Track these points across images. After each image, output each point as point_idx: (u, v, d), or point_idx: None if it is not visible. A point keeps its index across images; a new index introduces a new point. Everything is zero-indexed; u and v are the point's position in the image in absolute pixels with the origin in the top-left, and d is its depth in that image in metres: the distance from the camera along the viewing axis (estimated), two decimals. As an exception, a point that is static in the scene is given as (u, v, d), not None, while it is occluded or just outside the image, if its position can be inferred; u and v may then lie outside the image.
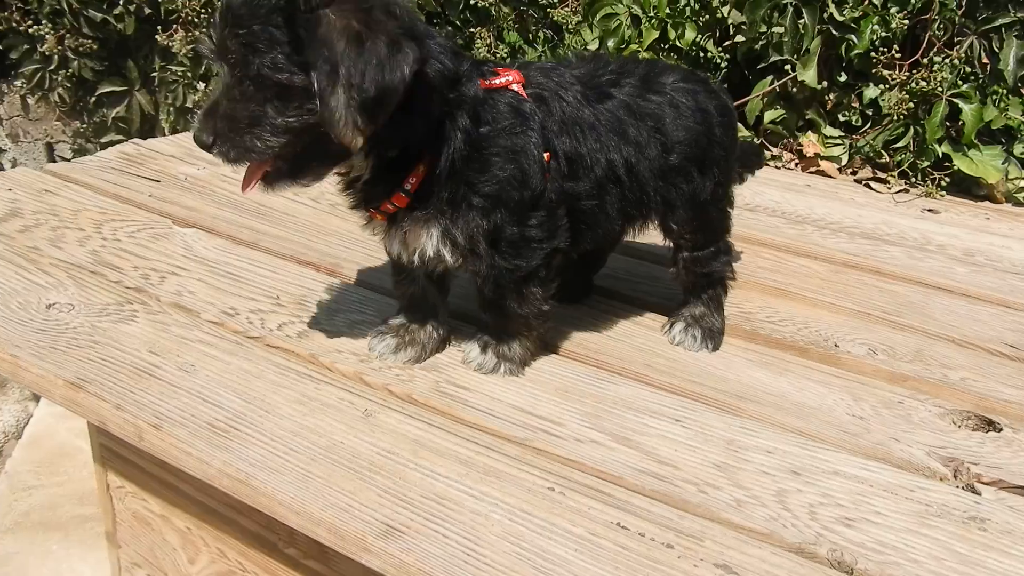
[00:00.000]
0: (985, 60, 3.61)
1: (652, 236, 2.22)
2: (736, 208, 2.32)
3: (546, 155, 1.82)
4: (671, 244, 2.21)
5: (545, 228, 1.85)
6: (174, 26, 4.99)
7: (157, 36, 4.97)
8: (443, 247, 1.79)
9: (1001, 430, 1.95)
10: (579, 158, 1.87)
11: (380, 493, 1.57)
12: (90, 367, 1.86)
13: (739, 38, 3.95)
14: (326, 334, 2.09)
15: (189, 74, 5.16)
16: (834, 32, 3.70)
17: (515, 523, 1.52)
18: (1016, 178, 3.69)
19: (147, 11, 5.10)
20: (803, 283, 2.68)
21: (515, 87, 1.81)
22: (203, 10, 4.84)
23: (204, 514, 2.17)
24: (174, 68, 5.19)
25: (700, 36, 4.05)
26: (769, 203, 3.45)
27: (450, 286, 2.09)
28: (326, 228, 2.72)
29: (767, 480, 1.71)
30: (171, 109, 5.31)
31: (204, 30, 1.79)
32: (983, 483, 1.76)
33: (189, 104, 5.20)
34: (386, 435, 1.73)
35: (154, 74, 5.28)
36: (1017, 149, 3.75)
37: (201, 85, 5.17)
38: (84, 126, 5.35)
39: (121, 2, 5.03)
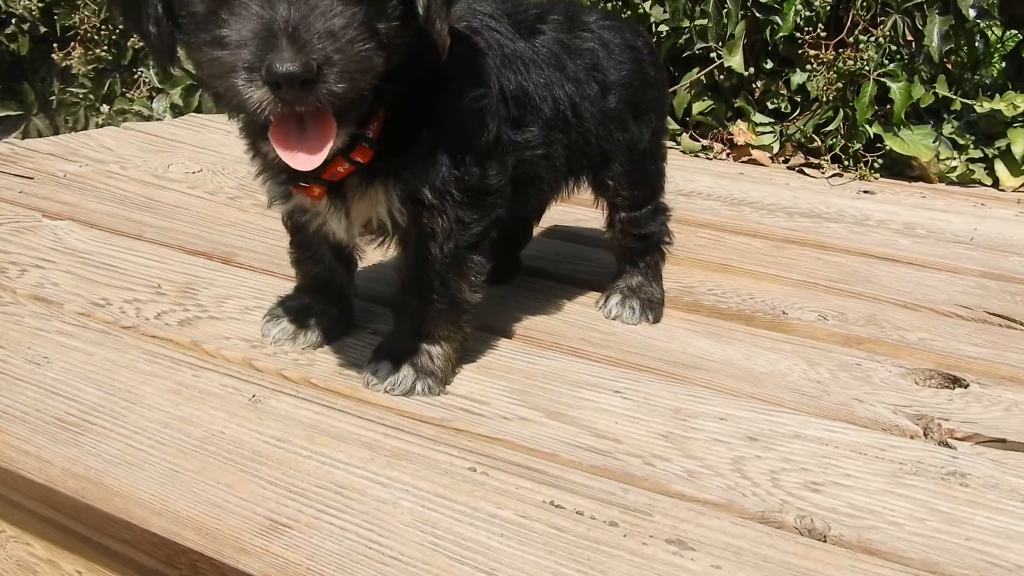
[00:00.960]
0: (909, 37, 3.54)
1: (578, 216, 2.02)
2: (669, 194, 2.14)
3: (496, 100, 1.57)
4: (605, 205, 2.00)
5: (500, 176, 1.56)
6: (72, 44, 4.67)
7: (54, 55, 4.64)
8: (401, 208, 1.48)
9: (968, 386, 1.77)
10: (526, 95, 1.62)
11: (265, 485, 1.29)
12: (-84, 365, 1.55)
13: (663, 29, 3.83)
14: (214, 321, 1.81)
15: (91, 95, 4.83)
16: (758, 15, 3.60)
17: (428, 510, 1.26)
18: (947, 158, 3.62)
19: (43, 30, 4.77)
20: (744, 258, 2.51)
21: None
22: (102, 26, 4.53)
23: (97, 555, 1.83)
24: (75, 90, 4.86)
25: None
26: (703, 189, 3.29)
27: (357, 264, 1.83)
28: (223, 219, 2.44)
29: (721, 448, 1.49)
30: (72, 132, 4.97)
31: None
32: (957, 438, 1.57)
33: (91, 127, 4.86)
34: (276, 422, 1.46)
35: (52, 97, 4.95)
36: (946, 129, 3.69)
37: (104, 107, 4.84)
38: (-27, 150, 4.94)
39: (14, 21, 4.69)
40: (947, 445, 1.54)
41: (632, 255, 2.03)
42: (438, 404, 1.56)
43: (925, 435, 1.58)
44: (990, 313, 2.17)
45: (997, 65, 3.83)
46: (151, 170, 2.82)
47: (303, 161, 1.24)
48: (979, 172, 3.61)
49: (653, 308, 2.00)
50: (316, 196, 1.48)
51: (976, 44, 3.55)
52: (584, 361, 1.77)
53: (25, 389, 1.49)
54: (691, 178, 3.41)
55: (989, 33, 3.51)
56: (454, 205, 1.51)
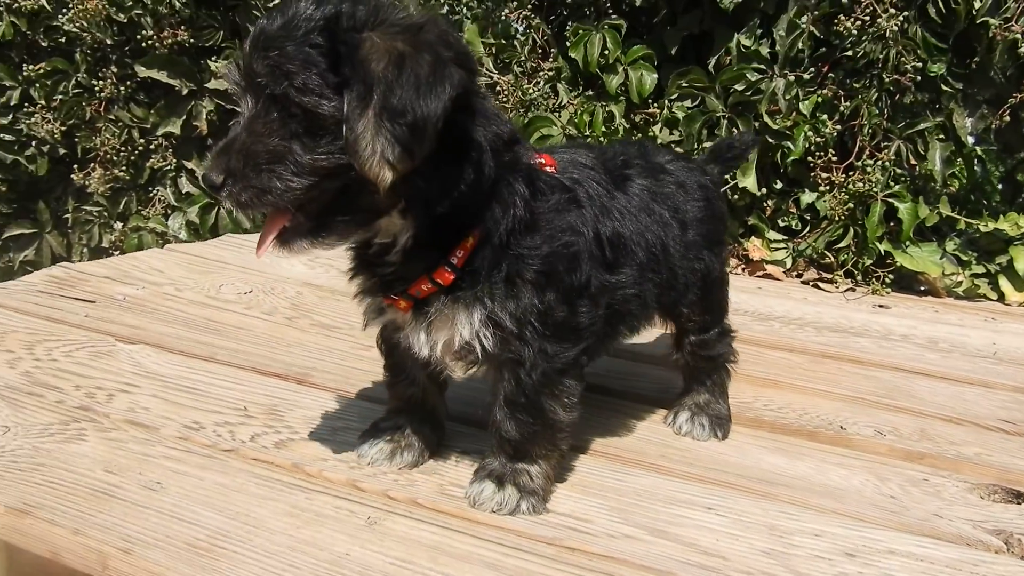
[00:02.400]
0: (913, 162, 3.78)
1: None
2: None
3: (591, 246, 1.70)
4: (674, 329, 2.11)
5: (592, 315, 1.66)
6: (92, 165, 4.80)
7: (73, 175, 4.76)
8: (484, 331, 1.54)
9: (1034, 500, 1.86)
10: (621, 241, 1.75)
11: (402, 608, 1.33)
12: (36, 491, 1.58)
13: (678, 149, 4.05)
14: (307, 443, 1.86)
15: (106, 213, 4.94)
16: (770, 140, 3.83)
17: (566, 630, 1.31)
18: (952, 273, 3.80)
19: (62, 151, 4.91)
20: (788, 373, 2.61)
21: (549, 169, 1.69)
22: (123, 148, 4.68)
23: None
24: (90, 208, 4.96)
25: (635, 154, 4.12)
26: (730, 304, 3.41)
27: (448, 386, 1.91)
28: (285, 339, 2.51)
29: (823, 564, 1.55)
30: (85, 250, 5.04)
31: (232, 60, 1.63)
32: (1039, 553, 1.64)
33: (105, 244, 4.95)
34: (397, 543, 1.50)
35: (67, 215, 5.04)
36: (949, 247, 3.89)
37: (118, 224, 4.94)
38: (-11, 272, 4.99)
39: (34, 143, 4.83)
40: (1032, 558, 1.61)
41: (700, 374, 2.13)
42: (545, 523, 1.61)
43: (1008, 548, 1.65)
44: (1033, 426, 2.27)
45: (995, 187, 4.07)
46: (204, 291, 2.90)
47: (258, 249, 1.47)
48: (984, 287, 3.79)
49: (721, 425, 2.08)
50: (402, 308, 1.59)
51: (975, 168, 3.79)
52: (668, 478, 1.84)
53: (148, 515, 1.53)
54: (715, 294, 3.54)
55: (986, 158, 3.76)
56: (537, 336, 1.59)
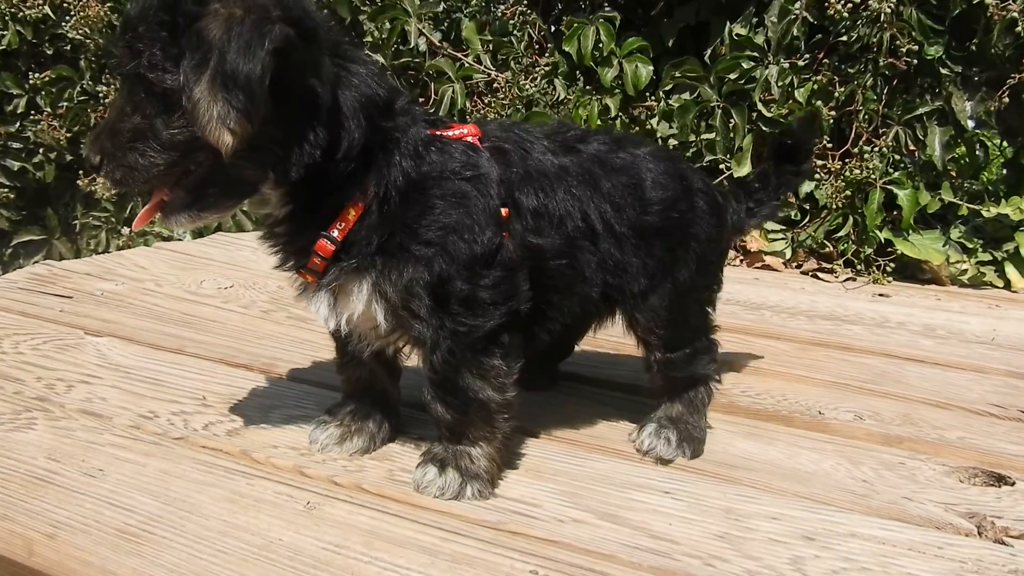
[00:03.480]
0: (912, 147, 3.68)
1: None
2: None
3: (503, 210, 1.60)
4: (640, 343, 1.87)
5: (501, 289, 1.57)
6: (97, 171, 4.84)
7: (79, 181, 4.80)
8: (376, 304, 1.53)
9: (1014, 483, 1.77)
10: (545, 211, 1.65)
11: (329, 592, 1.29)
12: (-28, 478, 1.56)
13: (673, 142, 3.98)
14: (260, 430, 1.83)
15: (113, 218, 4.97)
16: (764, 128, 3.76)
17: (495, 614, 1.26)
18: (957, 261, 3.70)
19: (69, 158, 4.95)
20: (773, 361, 2.54)
21: (470, 139, 1.63)
22: (128, 152, 4.70)
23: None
24: (97, 213, 5.00)
25: (632, 147, 4.06)
26: (722, 294, 3.34)
27: (401, 370, 1.87)
28: (258, 332, 2.49)
29: (779, 548, 1.48)
30: (93, 255, 5.08)
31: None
32: (1012, 536, 1.57)
33: (112, 249, 4.98)
34: (333, 528, 1.46)
35: (75, 221, 5.08)
36: (954, 234, 3.79)
37: (126, 230, 4.97)
38: (-1, 278, 5.04)
39: (41, 151, 4.88)
40: (1003, 543, 1.54)
41: (674, 389, 1.90)
42: (491, 507, 1.56)
43: (979, 533, 1.58)
44: (1024, 411, 2.19)
45: (997, 171, 3.97)
46: (185, 287, 2.89)
47: (134, 224, 1.53)
48: (990, 274, 3.68)
49: (691, 441, 1.83)
50: (310, 280, 1.58)
51: (976, 152, 3.68)
52: (629, 463, 1.78)
53: (83, 501, 1.50)
54: (709, 285, 3.47)
55: (988, 142, 3.66)
56: (434, 312, 1.53)
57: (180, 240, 4.30)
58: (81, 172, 4.79)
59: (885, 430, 2.03)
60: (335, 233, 1.50)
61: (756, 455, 1.86)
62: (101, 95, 4.63)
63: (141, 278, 2.95)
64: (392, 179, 1.51)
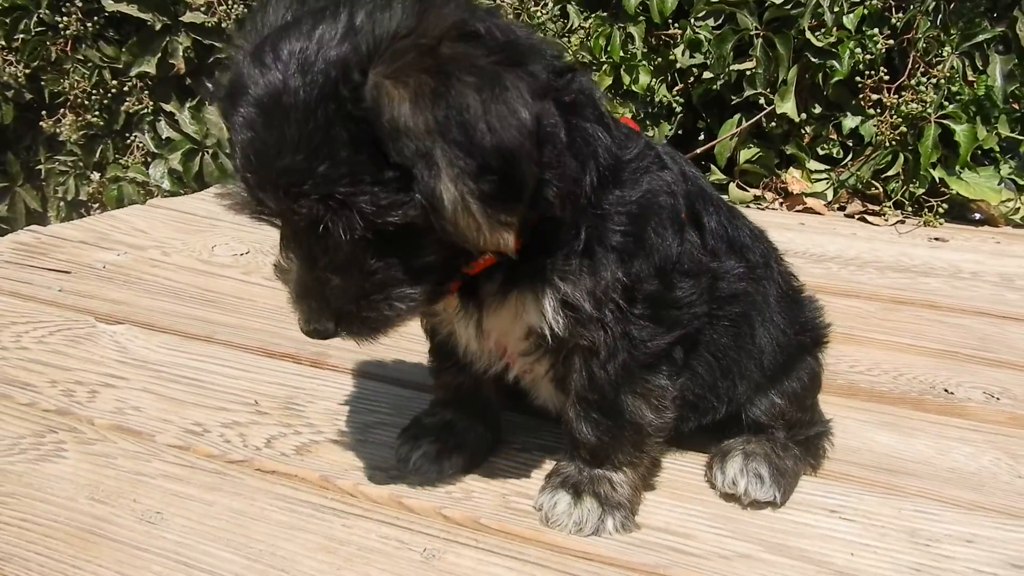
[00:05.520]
0: (971, 78, 3.41)
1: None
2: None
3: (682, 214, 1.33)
4: None
5: (694, 291, 1.31)
6: (61, 111, 4.39)
7: (42, 123, 4.36)
8: (557, 316, 1.22)
9: None
10: (725, 232, 1.43)
11: None
12: (3, 535, 1.26)
13: (706, 74, 3.65)
14: (334, 446, 1.55)
15: (81, 163, 4.54)
16: (813, 59, 3.45)
17: None
18: (1008, 199, 3.48)
19: (28, 96, 4.49)
20: (863, 324, 2.31)
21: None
22: (94, 91, 4.26)
23: None
24: (63, 158, 4.56)
25: (654, 80, 3.74)
26: (776, 243, 3.08)
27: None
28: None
29: (989, 582, 1.26)
30: (61, 203, 4.66)
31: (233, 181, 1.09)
32: None
33: (83, 196, 4.57)
34: (466, 585, 1.20)
35: (39, 166, 4.65)
36: (1004, 171, 3.56)
37: (95, 175, 4.55)
38: (-42, 230, 4.61)
39: (-3, 89, 4.42)
40: None
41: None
42: (639, 543, 1.31)
43: None
44: None
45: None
46: (195, 254, 2.55)
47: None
48: (1044, 213, 3.48)
49: (785, 478, 1.45)
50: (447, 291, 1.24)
51: (1040, 83, 3.43)
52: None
53: (148, 562, 1.21)
54: (758, 232, 3.21)
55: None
56: (619, 318, 1.24)
57: (168, 194, 3.92)
58: (44, 112, 4.35)
59: (1027, 412, 1.81)
60: None
61: (904, 452, 1.63)
62: (61, 26, 4.16)
63: (143, 245, 2.59)
64: (597, 160, 1.21)
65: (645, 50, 3.76)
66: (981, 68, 3.39)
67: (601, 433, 1.33)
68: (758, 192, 3.74)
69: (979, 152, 3.54)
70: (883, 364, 2.04)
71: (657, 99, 3.75)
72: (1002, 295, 2.61)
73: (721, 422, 1.52)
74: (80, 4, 4.15)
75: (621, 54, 3.73)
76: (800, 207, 3.65)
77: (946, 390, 1.91)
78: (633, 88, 3.73)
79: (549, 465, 1.48)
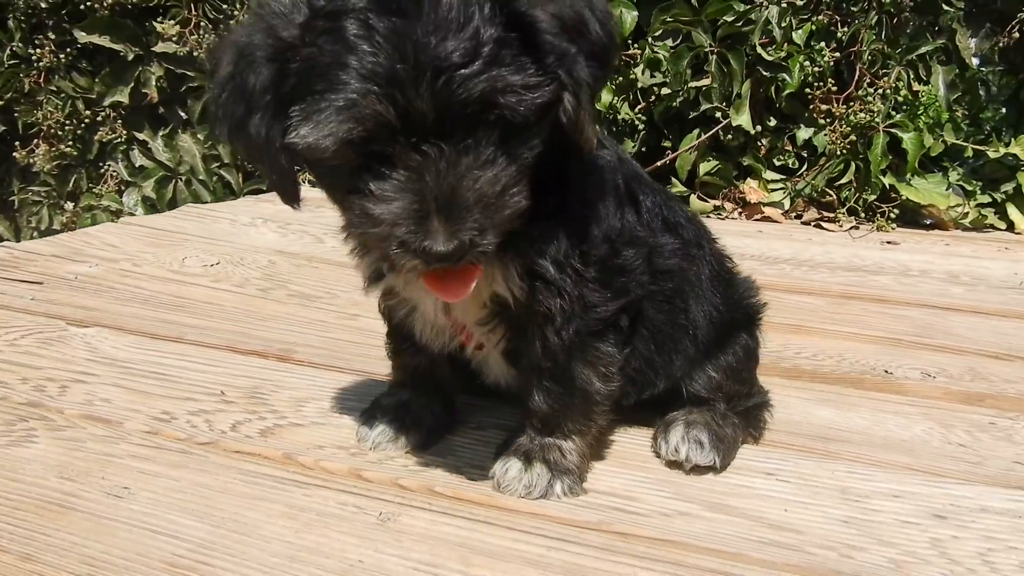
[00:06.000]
0: (916, 87, 3.56)
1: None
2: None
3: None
4: None
5: (637, 257, 1.40)
6: (35, 141, 4.44)
7: (15, 153, 4.40)
8: (524, 282, 1.29)
9: (1115, 438, 1.67)
10: (659, 210, 1.52)
11: (436, 623, 1.10)
12: (-24, 509, 1.31)
13: (664, 91, 3.78)
14: (298, 428, 1.61)
15: (55, 192, 4.59)
16: (765, 73, 3.59)
17: (635, 636, 1.08)
18: (957, 204, 3.62)
19: (1, 128, 4.54)
20: (812, 317, 2.40)
21: None
22: (67, 121, 4.31)
23: None
24: (36, 188, 4.60)
25: (615, 98, 3.86)
26: (734, 249, 3.18)
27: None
28: (261, 313, 2.24)
29: (912, 531, 1.34)
30: (35, 233, 4.69)
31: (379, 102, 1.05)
32: None
33: (56, 226, 4.60)
34: (418, 543, 1.26)
35: (12, 198, 4.68)
36: (952, 177, 3.71)
37: (69, 204, 4.59)
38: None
39: (-32, 122, 4.46)
40: None
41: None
42: (587, 505, 1.38)
43: (1104, 496, 1.46)
44: (1088, 358, 2.09)
45: (995, 111, 3.89)
46: (166, 265, 2.61)
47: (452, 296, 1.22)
48: (991, 217, 3.62)
49: (724, 443, 1.52)
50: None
51: (979, 92, 3.59)
52: (714, 442, 1.61)
53: (116, 529, 1.27)
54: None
55: (991, 80, 3.57)
56: (577, 282, 1.33)
57: (134, 214, 3.98)
58: (17, 144, 4.40)
59: (960, 387, 1.91)
60: None
61: (842, 424, 1.72)
62: (34, 58, 4.22)
63: (115, 258, 2.65)
64: None
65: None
66: (925, 79, 3.54)
67: (553, 401, 1.40)
68: (718, 203, 3.86)
69: (927, 159, 3.69)
70: (828, 351, 2.14)
71: (620, 117, 3.87)
72: (947, 289, 2.72)
73: (663, 398, 1.60)
74: (53, 36, 4.23)
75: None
76: (758, 216, 3.77)
77: (886, 371, 2.01)
78: (595, 106, 3.84)
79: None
